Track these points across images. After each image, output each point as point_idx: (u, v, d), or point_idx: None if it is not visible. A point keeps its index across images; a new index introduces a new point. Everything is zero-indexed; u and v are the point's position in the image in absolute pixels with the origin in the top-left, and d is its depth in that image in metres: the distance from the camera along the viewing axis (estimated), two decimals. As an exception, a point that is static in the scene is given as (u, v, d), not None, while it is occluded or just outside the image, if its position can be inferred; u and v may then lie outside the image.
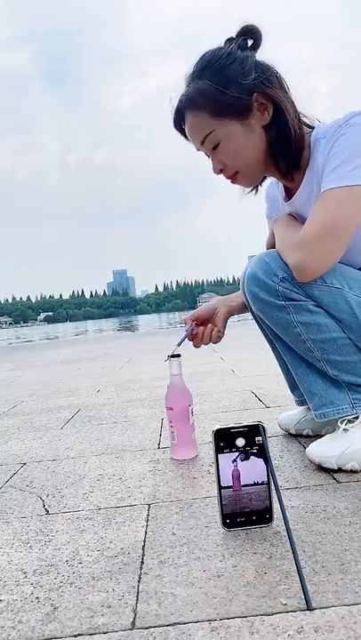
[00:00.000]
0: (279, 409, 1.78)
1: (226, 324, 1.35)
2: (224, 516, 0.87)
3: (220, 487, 0.86)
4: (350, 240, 0.99)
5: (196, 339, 1.33)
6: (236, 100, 1.01)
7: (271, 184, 1.29)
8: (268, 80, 1.02)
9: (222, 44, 1.05)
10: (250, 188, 1.20)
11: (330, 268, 1.02)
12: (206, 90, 1.02)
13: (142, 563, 0.80)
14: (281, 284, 1.07)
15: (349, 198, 0.95)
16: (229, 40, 1.05)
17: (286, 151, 1.06)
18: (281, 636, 0.59)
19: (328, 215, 0.96)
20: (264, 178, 1.19)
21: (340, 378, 1.11)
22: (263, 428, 0.85)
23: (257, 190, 1.21)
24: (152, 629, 0.63)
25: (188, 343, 1.33)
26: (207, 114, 1.03)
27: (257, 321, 1.30)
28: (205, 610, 0.66)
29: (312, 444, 1.13)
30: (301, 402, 1.37)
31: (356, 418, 1.10)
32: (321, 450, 1.11)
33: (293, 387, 1.37)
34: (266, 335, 1.32)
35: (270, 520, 0.87)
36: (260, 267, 1.09)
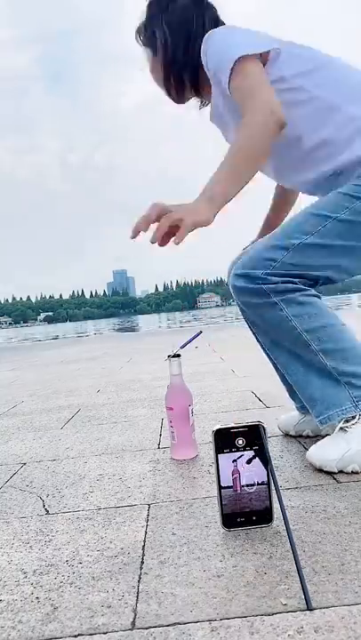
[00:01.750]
0: (279, 409, 1.78)
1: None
2: (224, 516, 0.87)
3: (220, 487, 0.86)
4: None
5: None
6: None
7: None
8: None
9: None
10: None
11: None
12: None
13: (142, 563, 0.80)
14: (265, 285, 1.10)
15: (241, 71, 1.07)
16: None
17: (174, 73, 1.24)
18: (281, 636, 0.59)
19: (243, 87, 1.06)
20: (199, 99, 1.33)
21: (338, 369, 1.10)
22: (263, 427, 0.85)
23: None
24: (152, 629, 0.63)
25: (191, 345, 1.35)
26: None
27: (253, 331, 1.30)
28: (205, 610, 0.66)
29: (312, 448, 1.13)
30: (301, 407, 1.37)
31: (353, 417, 1.10)
32: (321, 453, 1.11)
33: (292, 393, 1.38)
34: (262, 346, 1.32)
35: (270, 520, 0.87)
36: (240, 276, 1.12)
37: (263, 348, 1.32)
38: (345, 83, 1.11)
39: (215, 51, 1.11)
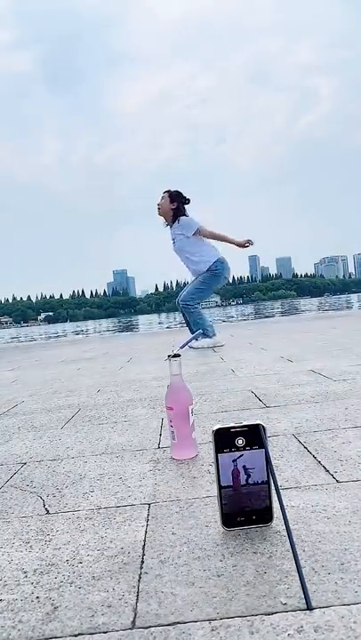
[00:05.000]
0: (279, 409, 1.78)
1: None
2: (224, 516, 0.87)
3: (220, 487, 0.86)
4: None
5: None
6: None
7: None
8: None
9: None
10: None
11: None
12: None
13: (142, 562, 0.80)
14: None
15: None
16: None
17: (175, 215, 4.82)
18: (281, 636, 0.59)
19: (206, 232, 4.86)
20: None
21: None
22: (263, 427, 0.86)
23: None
24: (152, 629, 0.64)
25: (203, 344, 1.35)
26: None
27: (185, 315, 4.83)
28: (205, 609, 0.66)
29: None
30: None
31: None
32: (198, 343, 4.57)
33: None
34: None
35: (270, 520, 0.87)
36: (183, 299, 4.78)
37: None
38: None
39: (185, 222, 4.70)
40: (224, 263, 4.71)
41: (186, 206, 4.79)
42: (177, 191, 4.80)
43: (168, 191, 4.79)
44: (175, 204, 4.72)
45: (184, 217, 4.69)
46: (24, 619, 0.69)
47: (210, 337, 4.63)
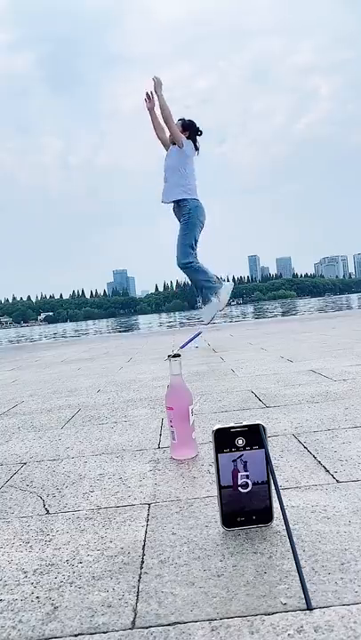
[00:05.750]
0: (279, 409, 1.78)
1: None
2: (224, 516, 0.87)
3: (220, 487, 0.86)
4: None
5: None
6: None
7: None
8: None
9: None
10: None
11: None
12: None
13: (142, 562, 0.81)
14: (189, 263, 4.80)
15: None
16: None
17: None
18: (281, 636, 0.59)
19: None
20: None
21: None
22: (263, 427, 0.86)
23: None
24: (152, 629, 0.64)
25: (191, 345, 1.35)
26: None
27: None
28: (205, 609, 0.66)
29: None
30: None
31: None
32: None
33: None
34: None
35: (270, 520, 0.87)
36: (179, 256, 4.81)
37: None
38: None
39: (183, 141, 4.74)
40: (198, 207, 4.67)
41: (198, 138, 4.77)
42: (191, 120, 4.78)
43: (182, 119, 4.77)
44: (187, 133, 4.70)
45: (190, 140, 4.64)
46: (24, 619, 0.69)
47: (215, 294, 4.56)
